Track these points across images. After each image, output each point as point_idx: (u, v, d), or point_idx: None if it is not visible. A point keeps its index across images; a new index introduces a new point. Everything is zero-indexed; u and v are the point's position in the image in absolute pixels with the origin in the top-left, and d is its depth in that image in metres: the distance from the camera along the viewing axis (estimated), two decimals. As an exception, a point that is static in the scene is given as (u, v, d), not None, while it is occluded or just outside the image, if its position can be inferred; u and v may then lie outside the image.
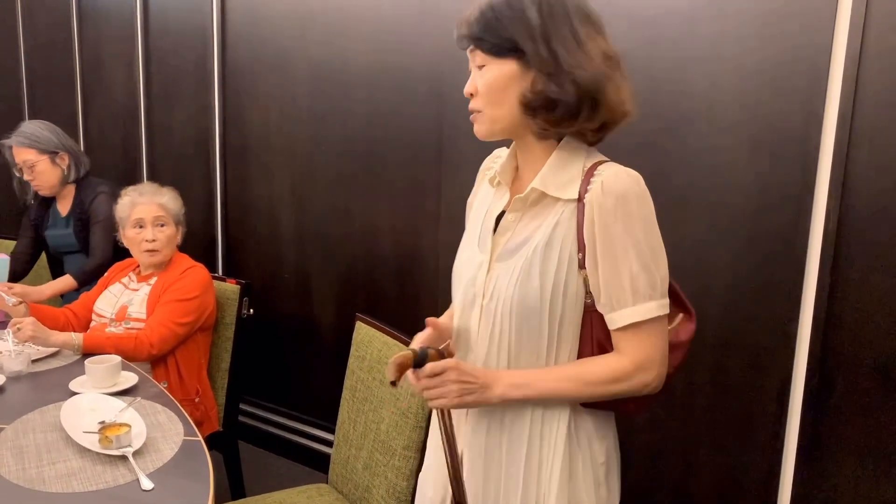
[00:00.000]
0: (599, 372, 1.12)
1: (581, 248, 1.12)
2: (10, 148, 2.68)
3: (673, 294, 1.19)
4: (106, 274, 2.44)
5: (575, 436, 1.17)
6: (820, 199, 1.78)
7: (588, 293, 1.13)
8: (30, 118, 3.78)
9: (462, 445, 1.23)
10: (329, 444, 2.76)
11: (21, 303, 2.20)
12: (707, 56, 1.89)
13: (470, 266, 1.23)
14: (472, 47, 1.16)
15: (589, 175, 1.12)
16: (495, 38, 1.11)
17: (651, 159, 1.98)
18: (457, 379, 1.11)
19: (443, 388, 1.11)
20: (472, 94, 1.18)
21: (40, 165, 2.66)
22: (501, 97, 1.14)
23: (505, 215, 1.21)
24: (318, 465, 2.89)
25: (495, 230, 1.21)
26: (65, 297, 2.67)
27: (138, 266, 2.36)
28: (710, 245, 1.94)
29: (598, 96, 1.09)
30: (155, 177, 3.25)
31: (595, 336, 1.15)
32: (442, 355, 1.16)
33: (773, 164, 1.84)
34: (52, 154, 2.67)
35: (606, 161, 1.16)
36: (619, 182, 1.10)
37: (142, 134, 3.28)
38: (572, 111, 1.09)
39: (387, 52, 2.48)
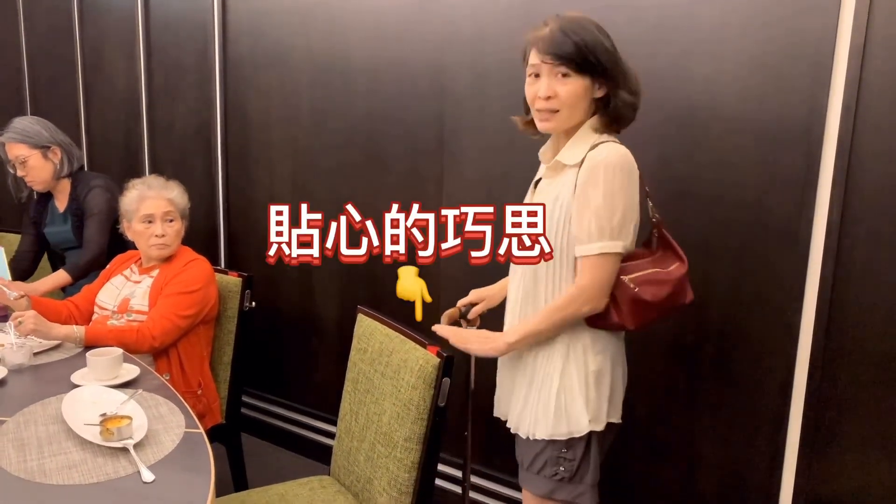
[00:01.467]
0: (559, 301, 1.53)
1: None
2: (3, 145, 2.67)
3: (671, 249, 1.62)
4: (108, 266, 2.44)
5: (571, 347, 1.57)
6: (823, 190, 1.77)
7: None
8: (32, 113, 3.78)
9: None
10: (331, 436, 2.76)
11: (23, 296, 2.20)
12: (710, 47, 1.88)
13: None
14: (556, 62, 1.48)
15: (592, 149, 1.51)
16: (585, 59, 1.47)
17: (654, 151, 1.97)
18: (478, 337, 1.63)
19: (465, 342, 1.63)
20: (550, 97, 1.51)
21: (32, 160, 2.65)
22: (578, 103, 1.52)
23: (541, 181, 1.64)
24: (320, 457, 2.89)
25: (534, 192, 1.65)
26: (66, 290, 2.67)
27: (140, 258, 2.36)
28: (713, 236, 1.94)
29: (638, 104, 1.55)
30: (157, 170, 3.25)
31: None
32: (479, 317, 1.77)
33: (776, 155, 1.83)
34: (44, 148, 2.66)
35: (607, 141, 1.52)
36: (600, 154, 1.48)
37: (143, 127, 3.28)
38: (625, 119, 1.56)
39: (388, 45, 2.47)
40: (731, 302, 1.94)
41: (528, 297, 1.61)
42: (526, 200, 1.68)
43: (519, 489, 1.75)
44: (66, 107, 3.58)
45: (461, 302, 1.89)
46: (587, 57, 1.47)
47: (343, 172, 2.68)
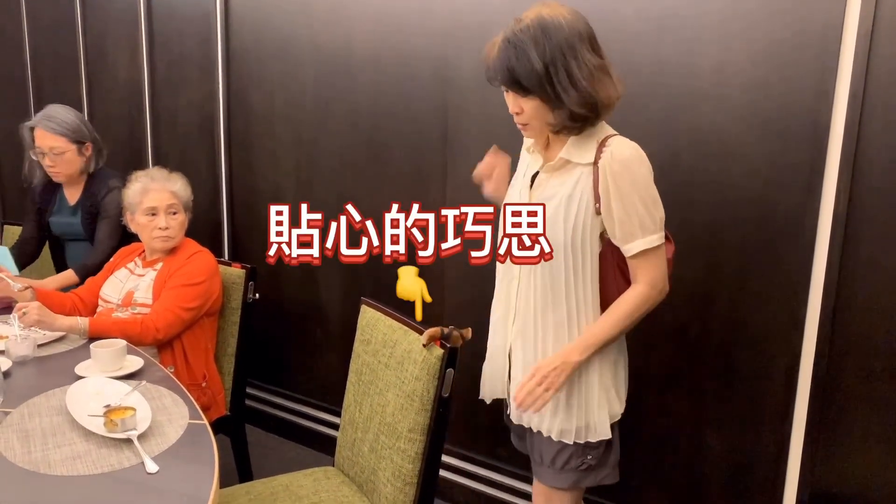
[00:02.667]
0: (630, 304, 1.51)
1: (597, 199, 1.49)
2: (33, 129, 2.62)
3: None
4: (112, 259, 2.44)
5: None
6: (830, 179, 1.75)
7: (605, 230, 1.52)
8: (35, 105, 3.78)
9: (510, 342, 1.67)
10: (335, 427, 2.77)
11: (27, 288, 2.20)
12: (715, 34, 1.86)
13: None
14: (503, 86, 1.50)
15: (601, 146, 1.50)
16: (517, 86, 1.46)
17: (659, 140, 1.95)
18: (546, 376, 1.51)
19: (546, 390, 1.52)
20: (517, 112, 1.52)
21: (68, 154, 2.61)
22: (541, 117, 1.50)
23: (538, 175, 1.59)
24: (324, 448, 2.90)
25: (531, 186, 1.60)
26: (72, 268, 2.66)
27: (144, 251, 2.36)
28: (719, 226, 1.92)
29: (596, 109, 1.47)
30: (160, 162, 3.24)
31: (616, 261, 1.54)
32: (461, 336, 1.59)
33: (783, 144, 1.82)
34: (80, 144, 2.63)
35: (614, 135, 1.53)
36: (623, 151, 1.48)
37: (146, 120, 3.27)
38: (582, 124, 1.49)
39: (391, 36, 2.46)
40: (737, 293, 1.93)
41: (542, 299, 1.57)
42: (518, 193, 1.64)
43: (525, 479, 1.75)
44: (69, 99, 3.57)
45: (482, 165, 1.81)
46: (520, 82, 1.45)
47: (347, 164, 2.67)
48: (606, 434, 1.59)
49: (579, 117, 1.46)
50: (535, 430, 1.64)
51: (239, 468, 2.46)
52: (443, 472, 2.45)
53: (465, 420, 2.43)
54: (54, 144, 2.59)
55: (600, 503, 2.25)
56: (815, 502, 1.89)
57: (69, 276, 2.57)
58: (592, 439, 1.59)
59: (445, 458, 2.49)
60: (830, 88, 1.73)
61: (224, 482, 1.63)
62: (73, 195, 2.74)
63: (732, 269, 1.93)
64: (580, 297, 1.55)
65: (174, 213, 2.27)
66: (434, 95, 2.39)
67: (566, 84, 1.43)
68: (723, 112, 1.88)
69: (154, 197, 2.25)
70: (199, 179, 3.02)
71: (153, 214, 2.25)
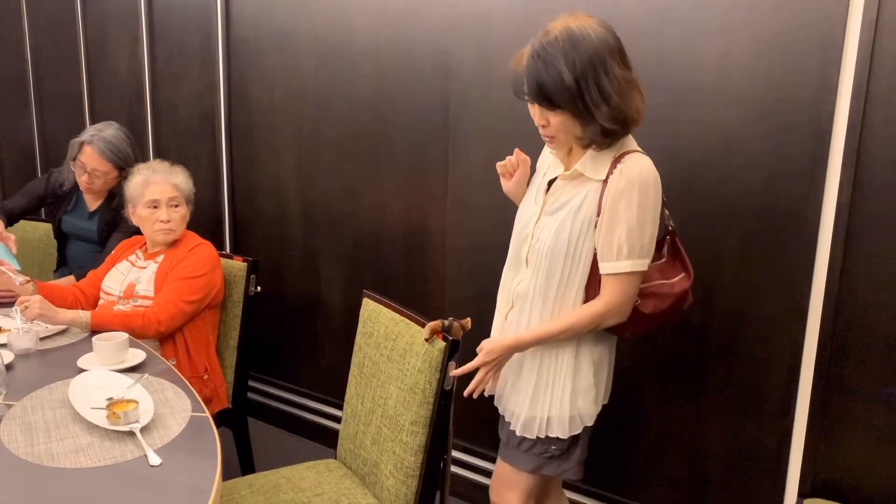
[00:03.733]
0: (582, 317, 1.55)
1: (598, 213, 1.51)
2: (82, 145, 2.56)
3: (680, 258, 1.64)
4: (113, 252, 2.44)
5: (580, 345, 1.61)
6: (833, 171, 1.75)
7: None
8: (35, 98, 3.77)
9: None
10: (337, 420, 2.77)
11: (29, 281, 2.20)
12: (718, 26, 1.85)
13: (526, 213, 1.67)
14: (530, 100, 1.50)
15: (616, 162, 1.50)
16: (548, 99, 1.45)
17: (661, 132, 1.95)
18: (489, 360, 1.60)
19: (489, 371, 1.62)
20: (544, 126, 1.52)
21: (110, 177, 2.60)
22: (571, 129, 1.50)
23: (555, 182, 1.61)
24: (326, 440, 2.91)
25: (547, 190, 1.62)
26: (75, 274, 2.66)
27: (145, 244, 2.35)
28: (722, 218, 1.92)
29: (626, 123, 1.47)
30: (161, 155, 3.24)
31: (597, 277, 1.55)
32: (462, 327, 1.64)
33: (786, 136, 1.81)
34: (124, 170, 2.57)
35: (633, 152, 1.52)
36: (632, 171, 1.47)
37: (147, 112, 3.27)
38: (606, 143, 1.50)
39: (392, 28, 2.45)
40: (740, 284, 1.93)
41: (537, 294, 1.61)
42: (535, 195, 1.67)
43: (493, 460, 1.76)
44: (69, 91, 3.57)
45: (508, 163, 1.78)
46: (549, 97, 1.44)
47: (348, 156, 2.66)
48: (564, 433, 1.62)
49: (610, 132, 1.46)
50: (518, 432, 1.66)
51: (241, 461, 2.47)
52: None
53: (468, 412, 2.43)
54: (101, 168, 2.56)
55: (603, 495, 2.25)
56: (818, 494, 1.89)
57: (69, 282, 2.55)
58: (552, 434, 1.62)
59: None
60: (834, 80, 1.72)
61: (226, 475, 1.63)
62: (92, 202, 2.71)
63: (735, 260, 1.92)
64: (566, 297, 1.58)
65: (176, 206, 2.27)
66: (435, 87, 2.38)
67: (597, 99, 1.42)
68: (725, 104, 1.87)
69: (156, 189, 2.25)
70: (201, 172, 3.02)
71: (155, 207, 2.25)
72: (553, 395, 1.61)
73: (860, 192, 1.73)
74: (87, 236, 2.73)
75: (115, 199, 2.66)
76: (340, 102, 2.64)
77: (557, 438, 1.63)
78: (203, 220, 2.94)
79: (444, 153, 2.41)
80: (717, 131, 1.89)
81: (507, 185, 1.80)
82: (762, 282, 1.89)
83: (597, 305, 1.54)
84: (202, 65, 3.02)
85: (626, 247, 1.49)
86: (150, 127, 3.28)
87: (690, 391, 2.06)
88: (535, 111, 1.51)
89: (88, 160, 2.55)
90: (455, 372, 1.61)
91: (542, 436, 1.63)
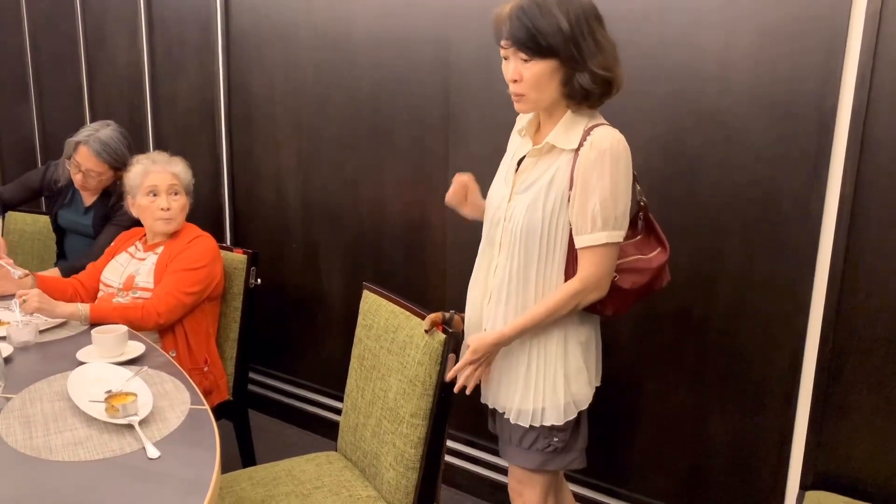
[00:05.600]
0: (560, 297, 1.52)
1: (571, 186, 1.49)
2: (78, 145, 2.54)
3: (654, 233, 1.62)
4: (113, 243, 2.43)
5: (567, 329, 1.59)
6: (836, 161, 1.73)
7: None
8: (35, 92, 3.76)
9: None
10: (338, 412, 2.77)
11: (28, 275, 2.19)
12: (721, 15, 1.83)
13: (497, 195, 1.64)
14: (514, 48, 1.46)
15: (587, 134, 1.49)
16: (537, 44, 1.43)
17: (663, 123, 1.93)
18: (475, 359, 1.58)
19: (476, 368, 1.60)
20: (516, 80, 1.49)
21: (105, 177, 2.59)
22: (544, 86, 1.48)
23: (525, 159, 1.59)
24: (326, 433, 2.91)
25: (517, 170, 1.60)
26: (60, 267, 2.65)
27: (145, 235, 2.35)
28: (723, 208, 1.91)
29: (612, 82, 1.48)
30: (161, 147, 3.23)
31: (574, 253, 1.53)
32: (463, 320, 1.65)
33: (789, 127, 1.79)
34: (119, 171, 2.57)
35: (603, 124, 1.51)
36: (603, 141, 1.47)
37: (147, 104, 3.25)
38: (595, 95, 1.48)
39: (391, 19, 2.43)
40: (742, 276, 1.92)
41: (516, 280, 1.58)
42: (504, 176, 1.64)
43: (494, 452, 1.75)
44: (69, 83, 3.56)
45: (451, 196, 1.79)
46: (539, 42, 1.42)
47: (348, 147, 2.65)
48: (560, 420, 1.60)
49: (601, 80, 1.45)
50: (512, 420, 1.65)
51: (242, 453, 2.47)
52: (446, 457, 2.45)
53: (467, 404, 2.43)
54: (95, 168, 2.55)
55: (604, 487, 2.25)
56: (819, 486, 1.88)
57: (54, 273, 2.54)
58: (547, 423, 1.60)
59: (448, 443, 2.49)
60: (838, 70, 1.71)
61: (227, 467, 1.63)
62: (88, 197, 2.70)
63: (737, 252, 1.91)
64: (547, 280, 1.56)
65: (175, 195, 2.26)
66: (435, 78, 2.37)
67: (592, 47, 1.44)
68: (728, 94, 1.86)
69: (155, 177, 2.24)
70: (201, 164, 3.01)
71: (154, 195, 2.24)
72: (546, 384, 1.59)
73: (863, 184, 1.72)
74: (82, 231, 2.72)
75: (111, 196, 2.66)
76: (340, 94, 2.63)
77: (558, 429, 1.61)
78: (203, 213, 2.93)
79: (444, 145, 2.39)
80: (719, 122, 1.88)
81: (466, 211, 1.79)
82: (764, 274, 1.88)
83: (573, 284, 1.52)
84: (201, 57, 3.01)
85: (601, 218, 1.47)
86: (149, 119, 3.27)
87: (692, 383, 2.05)
88: (508, 66, 1.49)
89: (83, 160, 2.55)
90: (449, 375, 1.60)
91: (538, 424, 1.61)
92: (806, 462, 1.89)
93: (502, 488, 2.45)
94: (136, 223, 2.42)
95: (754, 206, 1.87)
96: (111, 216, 2.64)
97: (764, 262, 1.88)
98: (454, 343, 1.61)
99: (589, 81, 1.45)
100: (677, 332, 2.04)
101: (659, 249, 1.61)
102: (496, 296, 1.62)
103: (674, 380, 2.08)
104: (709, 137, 1.90)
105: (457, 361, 1.61)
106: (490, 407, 1.72)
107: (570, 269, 1.55)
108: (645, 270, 1.58)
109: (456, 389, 1.62)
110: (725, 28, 1.83)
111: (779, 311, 1.88)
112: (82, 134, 2.56)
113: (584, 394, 1.63)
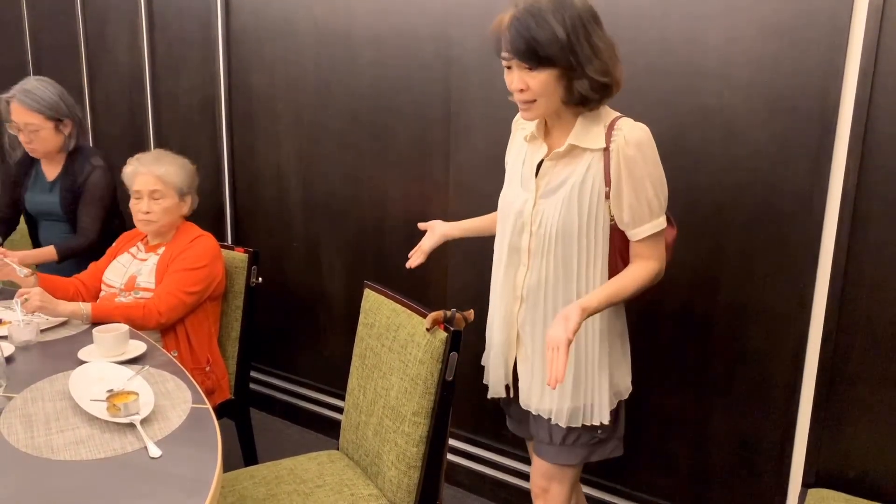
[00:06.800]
0: (640, 280, 1.53)
1: (608, 183, 1.50)
2: (9, 103, 2.48)
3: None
4: (114, 244, 2.43)
5: (609, 320, 1.60)
6: (839, 157, 1.73)
7: (611, 217, 1.53)
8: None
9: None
10: (339, 410, 2.77)
11: (32, 274, 2.19)
12: (722, 10, 1.83)
13: (517, 201, 1.61)
14: (516, 59, 1.45)
15: (610, 129, 1.50)
16: (536, 55, 1.43)
17: (665, 119, 1.93)
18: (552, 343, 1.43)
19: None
20: (522, 90, 1.48)
21: (44, 132, 2.50)
22: (552, 92, 1.48)
23: (544, 163, 1.58)
24: (328, 431, 2.91)
25: (537, 174, 1.58)
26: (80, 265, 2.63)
27: (146, 236, 2.35)
28: (725, 206, 1.90)
29: (611, 85, 1.49)
30: (162, 144, 3.23)
31: (617, 246, 1.56)
32: (465, 319, 1.62)
33: (791, 123, 1.79)
34: (58, 121, 2.51)
35: (621, 117, 1.52)
36: (634, 134, 1.49)
37: (147, 101, 3.25)
38: (595, 100, 1.49)
39: (393, 16, 2.43)
40: (744, 272, 1.91)
41: (553, 281, 1.56)
42: (521, 182, 1.62)
43: (529, 462, 1.74)
44: (69, 81, 3.54)
45: (426, 244, 1.95)
46: (538, 52, 1.42)
47: (349, 145, 2.65)
48: (606, 417, 1.60)
49: (599, 86, 1.46)
50: (545, 417, 1.63)
51: (244, 452, 2.47)
52: (448, 455, 2.45)
53: (470, 403, 2.42)
54: (29, 121, 2.47)
55: (606, 485, 2.25)
56: (822, 484, 1.88)
57: (48, 252, 2.48)
58: (595, 422, 1.60)
59: (450, 441, 2.49)
60: (840, 65, 1.70)
61: (229, 466, 1.63)
62: (51, 171, 2.62)
63: (739, 249, 1.91)
64: (590, 278, 1.56)
65: (157, 199, 2.24)
66: (436, 75, 2.36)
67: (588, 53, 1.44)
68: (730, 90, 1.85)
69: (140, 181, 2.25)
70: (202, 162, 2.99)
71: (138, 198, 2.25)
72: (593, 380, 1.59)
73: (866, 180, 1.71)
74: (51, 211, 2.61)
75: (73, 164, 2.57)
76: (341, 91, 2.62)
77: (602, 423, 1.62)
78: (204, 211, 2.92)
79: (445, 141, 2.39)
80: (722, 117, 1.87)
81: (456, 236, 1.95)
82: (766, 271, 1.88)
83: (654, 264, 1.55)
84: (202, 53, 3.00)
85: (658, 203, 1.52)
86: (150, 116, 3.27)
87: (694, 381, 2.04)
88: (513, 77, 1.48)
89: (17, 116, 2.48)
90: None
91: (588, 423, 1.60)
92: (808, 460, 1.89)
93: (504, 486, 2.46)
94: (111, 192, 2.38)
95: (756, 203, 1.86)
96: (80, 191, 2.54)
97: (766, 260, 1.87)
98: (456, 342, 1.60)
99: (587, 88, 1.46)
100: (679, 330, 2.04)
101: (669, 227, 1.62)
102: (531, 299, 1.60)
103: (676, 377, 2.07)
104: (710, 134, 1.89)
105: (457, 362, 1.60)
106: (529, 411, 1.67)
107: (616, 263, 1.56)
108: (668, 247, 1.61)
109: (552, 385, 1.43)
110: (726, 24, 1.83)
111: (781, 308, 1.87)
112: (9, 92, 2.49)
113: (625, 384, 1.66)
